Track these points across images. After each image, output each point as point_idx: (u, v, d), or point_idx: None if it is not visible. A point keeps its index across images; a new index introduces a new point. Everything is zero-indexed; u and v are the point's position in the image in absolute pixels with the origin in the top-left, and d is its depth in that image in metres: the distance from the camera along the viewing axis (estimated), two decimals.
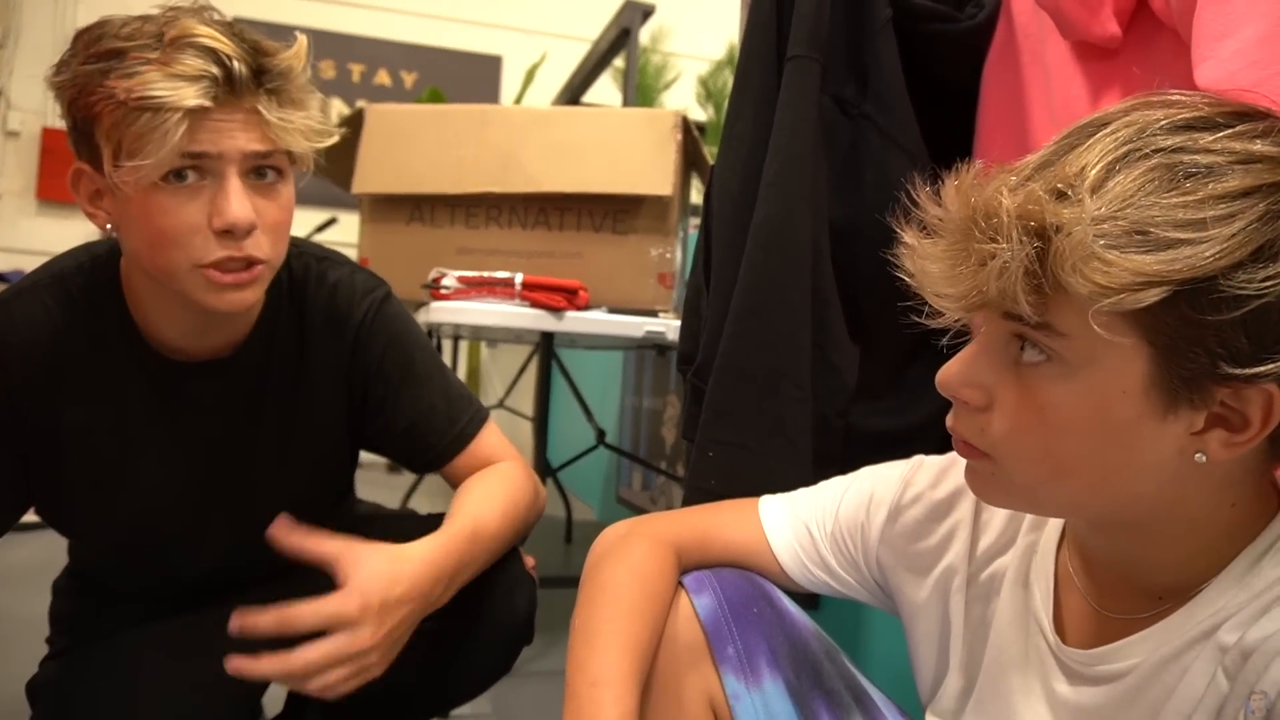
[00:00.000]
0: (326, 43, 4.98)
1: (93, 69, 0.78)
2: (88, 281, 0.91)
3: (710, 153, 1.74)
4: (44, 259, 0.95)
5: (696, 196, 2.01)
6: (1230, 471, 0.52)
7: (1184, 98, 0.51)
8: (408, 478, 2.97)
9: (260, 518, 0.99)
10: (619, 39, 2.74)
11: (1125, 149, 0.49)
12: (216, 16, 0.83)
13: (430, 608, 0.85)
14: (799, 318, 1.04)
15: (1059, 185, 0.49)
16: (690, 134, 1.73)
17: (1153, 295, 0.46)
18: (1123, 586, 0.58)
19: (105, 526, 0.97)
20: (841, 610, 1.21)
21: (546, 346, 1.87)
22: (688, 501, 1.05)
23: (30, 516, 0.96)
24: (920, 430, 1.09)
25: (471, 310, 1.57)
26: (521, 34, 5.29)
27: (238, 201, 0.81)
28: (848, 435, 1.09)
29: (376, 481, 1.64)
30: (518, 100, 4.81)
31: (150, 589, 1.05)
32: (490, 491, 0.96)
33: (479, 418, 1.02)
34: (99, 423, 0.92)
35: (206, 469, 0.96)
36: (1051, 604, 0.62)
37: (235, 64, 0.78)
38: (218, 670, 0.99)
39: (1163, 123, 0.49)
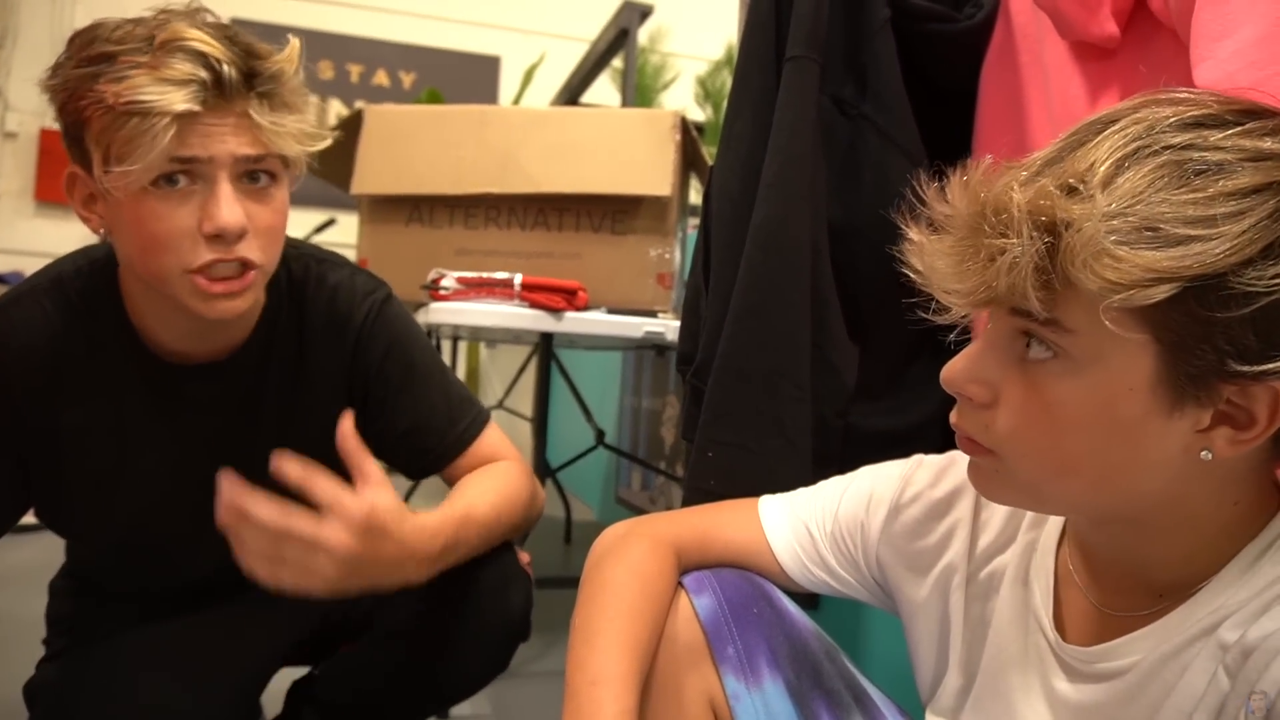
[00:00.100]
0: (325, 43, 4.98)
1: (83, 73, 0.78)
2: (86, 285, 0.91)
3: (709, 153, 1.74)
4: (42, 260, 0.95)
5: (695, 197, 2.01)
6: (1233, 469, 0.52)
7: (1192, 95, 0.51)
8: (405, 480, 2.96)
9: None
10: (617, 39, 2.74)
11: (1134, 146, 0.49)
12: (210, 19, 0.82)
13: (411, 573, 0.83)
14: (798, 318, 1.04)
15: (1070, 181, 0.49)
16: (689, 134, 1.73)
17: (1162, 292, 0.46)
18: (1124, 584, 0.58)
19: (104, 528, 0.97)
20: (841, 610, 1.21)
21: (546, 347, 1.87)
22: (687, 502, 1.05)
23: (29, 518, 0.96)
24: (919, 430, 1.09)
25: (471, 311, 1.57)
26: (520, 34, 5.29)
27: (228, 206, 0.81)
28: (847, 435, 1.09)
29: None
30: (516, 101, 4.81)
31: (148, 590, 1.05)
32: (485, 484, 0.97)
33: (480, 420, 1.02)
34: (98, 425, 0.92)
35: (205, 471, 0.96)
36: (1051, 602, 0.62)
37: (225, 68, 0.78)
38: (216, 671, 1.00)
39: (1172, 120, 0.49)
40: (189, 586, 1.03)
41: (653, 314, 1.69)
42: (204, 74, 0.77)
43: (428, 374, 1.01)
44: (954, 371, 0.56)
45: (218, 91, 0.78)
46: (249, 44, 0.82)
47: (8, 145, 4.62)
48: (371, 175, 1.78)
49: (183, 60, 0.77)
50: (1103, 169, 0.48)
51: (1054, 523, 0.65)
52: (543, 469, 1.84)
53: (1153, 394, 0.49)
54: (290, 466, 0.76)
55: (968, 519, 0.69)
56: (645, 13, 2.67)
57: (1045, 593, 0.63)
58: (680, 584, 0.74)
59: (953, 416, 0.58)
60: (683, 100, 4.94)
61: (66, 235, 4.25)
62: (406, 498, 2.40)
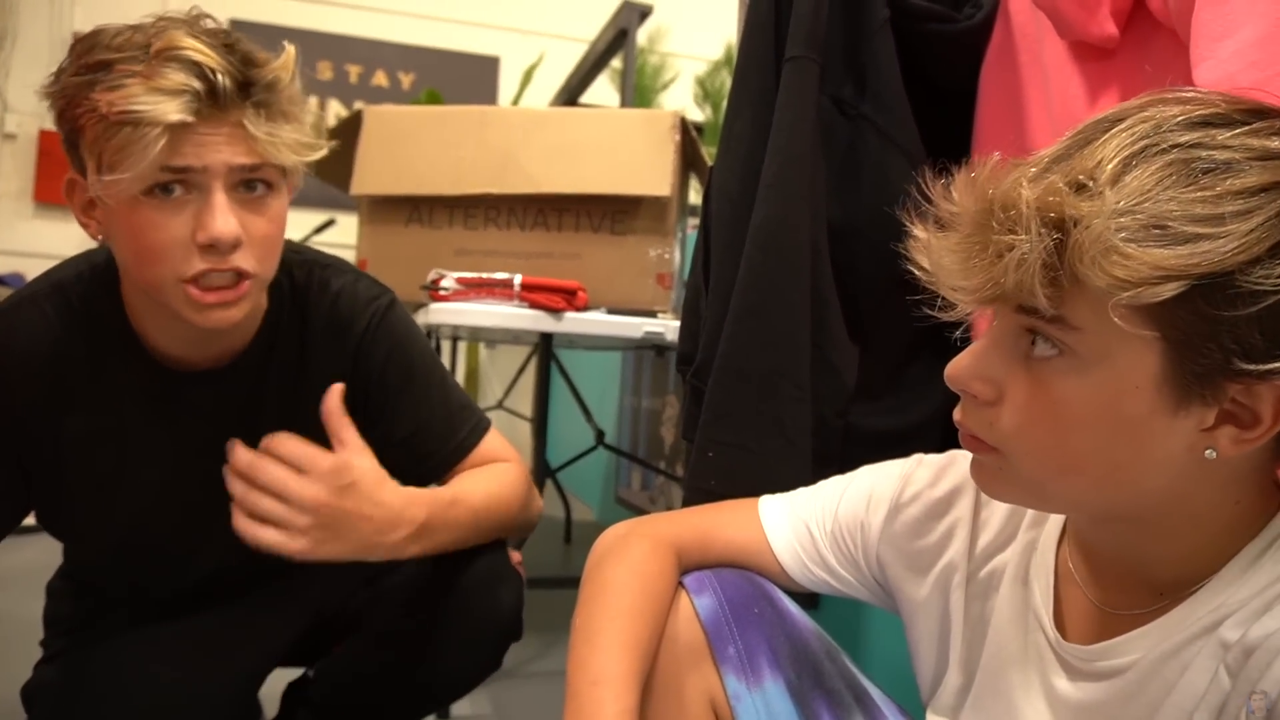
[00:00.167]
0: (324, 44, 4.98)
1: (80, 80, 0.78)
2: (87, 290, 0.91)
3: (708, 153, 1.74)
4: (41, 261, 0.95)
5: (695, 197, 2.01)
6: (1236, 469, 0.52)
7: (1199, 95, 0.51)
8: None
9: None
10: (616, 39, 2.74)
11: (1142, 144, 0.49)
12: (210, 24, 0.82)
13: (396, 541, 0.85)
14: (798, 318, 1.04)
15: (1080, 178, 0.49)
16: (688, 134, 1.73)
17: (1170, 289, 0.46)
18: (1124, 582, 0.58)
19: (104, 531, 0.97)
20: (841, 610, 1.21)
21: (545, 347, 1.87)
22: (688, 502, 1.05)
23: (28, 519, 0.96)
24: (919, 430, 1.09)
25: (470, 311, 1.57)
26: (519, 35, 5.29)
27: (221, 216, 0.80)
28: (847, 435, 1.09)
29: None
30: (515, 101, 4.81)
31: (146, 592, 1.05)
32: (477, 476, 0.97)
33: (480, 428, 1.02)
34: (99, 430, 0.92)
35: (205, 474, 0.96)
36: (1052, 600, 0.62)
37: (220, 77, 0.78)
38: (213, 673, 1.00)
39: (1179, 119, 0.49)
40: (187, 588, 1.03)
41: (652, 314, 1.69)
42: (198, 84, 0.77)
43: (428, 381, 1.01)
44: (958, 369, 0.56)
45: (212, 101, 0.78)
46: (246, 52, 0.81)
47: (7, 147, 4.62)
48: (371, 176, 1.78)
49: (177, 70, 0.77)
50: (1110, 167, 0.48)
51: (1054, 521, 0.65)
52: (543, 469, 1.84)
53: (1158, 392, 0.49)
54: (241, 453, 0.80)
55: (968, 518, 0.69)
56: (644, 13, 2.67)
57: (1045, 591, 0.63)
58: (681, 584, 0.74)
59: (956, 414, 0.58)
60: (682, 100, 4.94)
61: (66, 237, 4.24)
62: None
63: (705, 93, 4.92)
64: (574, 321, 1.60)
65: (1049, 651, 0.61)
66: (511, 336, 2.35)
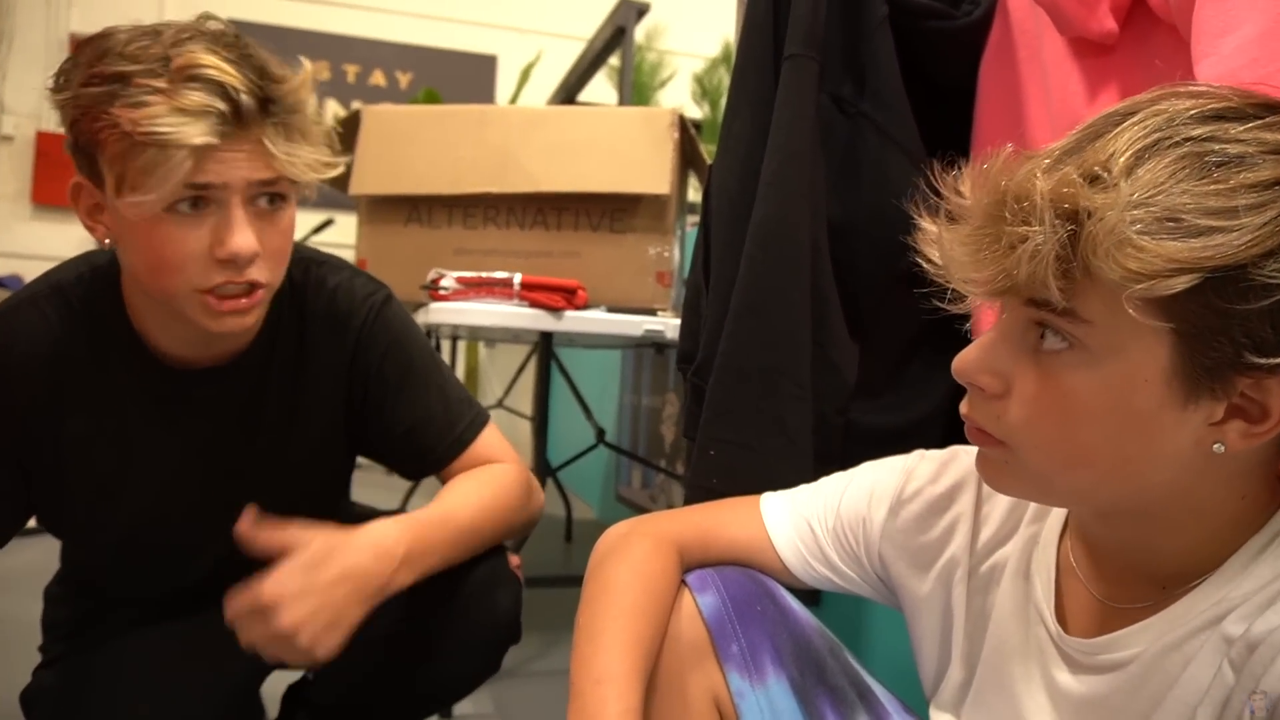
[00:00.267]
0: (321, 44, 4.97)
1: (97, 92, 0.77)
2: (87, 292, 0.91)
3: (707, 150, 1.74)
4: (40, 263, 0.95)
5: (694, 195, 2.01)
6: (1243, 463, 0.52)
7: (1211, 89, 0.51)
8: (406, 480, 2.96)
9: None
10: (614, 37, 2.74)
11: (1154, 137, 0.49)
12: (220, 27, 0.82)
13: (383, 588, 0.84)
14: (798, 316, 1.04)
15: (1095, 169, 0.49)
16: (687, 132, 1.73)
17: (1183, 282, 0.46)
18: (1126, 576, 0.58)
19: (105, 532, 0.97)
20: (843, 606, 1.21)
21: (545, 346, 1.87)
22: (689, 500, 1.05)
23: (29, 521, 0.96)
24: (920, 426, 1.09)
25: (470, 311, 1.57)
26: (516, 33, 5.28)
27: (241, 233, 0.81)
28: (847, 432, 1.09)
29: (376, 483, 1.64)
30: (513, 99, 4.81)
31: (147, 593, 1.05)
32: (469, 487, 0.97)
33: (478, 422, 1.02)
34: (100, 430, 0.92)
35: (206, 473, 0.97)
36: (1053, 594, 0.63)
37: (243, 97, 0.78)
38: (215, 675, 1.00)
39: (1192, 112, 0.49)
40: (187, 588, 1.03)
41: (652, 312, 1.69)
42: (222, 105, 0.77)
43: (426, 375, 1.01)
44: (966, 362, 0.56)
45: (235, 121, 0.78)
46: (262, 66, 0.81)
47: (4, 149, 4.61)
48: (370, 175, 1.78)
49: (200, 90, 0.76)
50: (1123, 160, 0.48)
51: (1056, 516, 0.65)
52: (543, 468, 1.84)
53: (1168, 386, 0.49)
54: (251, 530, 0.81)
55: (969, 513, 0.69)
56: (642, 11, 2.66)
57: (1047, 585, 0.63)
58: (683, 582, 0.74)
59: (963, 407, 0.58)
60: (680, 98, 4.94)
61: (64, 238, 4.25)
62: (407, 498, 2.40)
63: (703, 90, 4.92)
64: (574, 320, 1.60)
65: (1050, 645, 0.61)
66: (511, 335, 2.34)
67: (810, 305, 1.05)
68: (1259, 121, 0.49)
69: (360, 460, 1.08)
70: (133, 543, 0.98)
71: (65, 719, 0.99)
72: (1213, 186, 0.47)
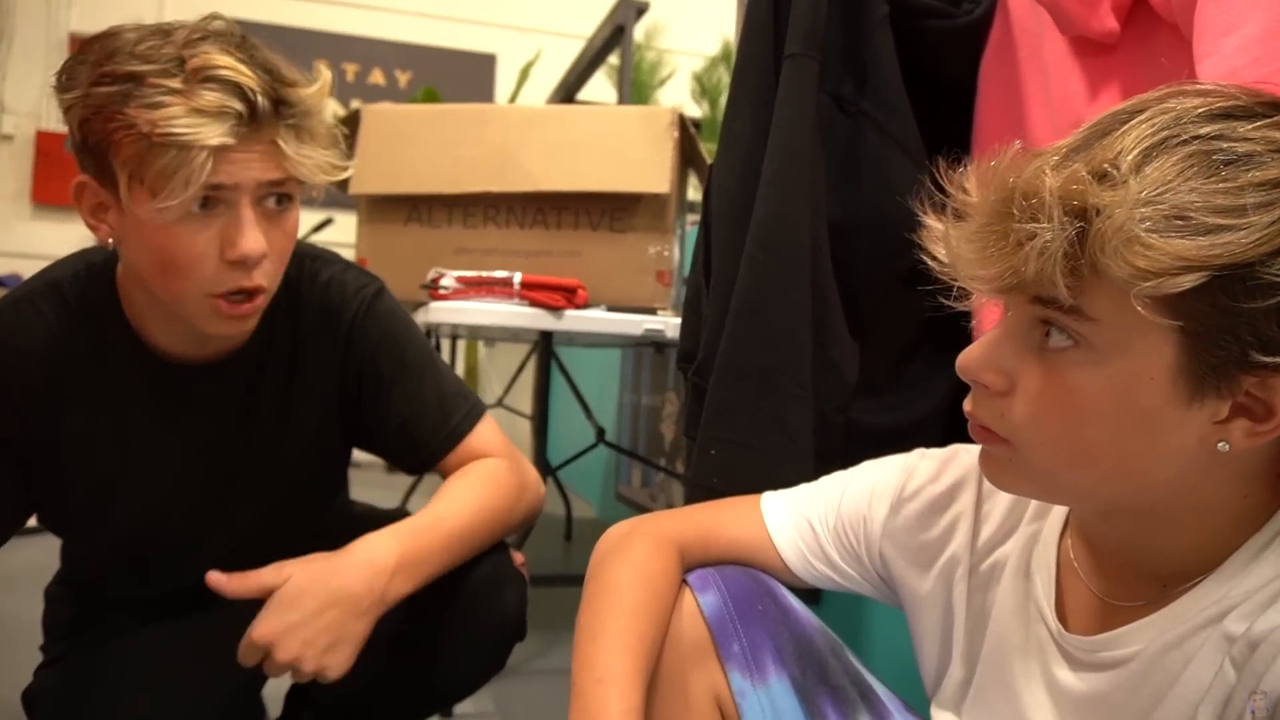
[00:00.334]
0: (320, 42, 4.97)
1: (110, 91, 0.76)
2: (84, 290, 0.90)
3: (707, 149, 1.74)
4: (39, 262, 0.95)
5: (694, 193, 2.01)
6: (1246, 462, 0.52)
7: (1219, 88, 0.51)
8: (406, 477, 2.97)
9: (255, 517, 0.99)
10: (613, 36, 2.74)
11: (1162, 135, 0.49)
12: (227, 28, 0.81)
13: (379, 601, 0.85)
14: (799, 315, 1.04)
15: (1105, 166, 0.49)
16: (687, 131, 1.73)
17: (1190, 280, 0.46)
18: (1127, 573, 0.59)
19: (105, 530, 0.97)
20: (843, 605, 1.21)
21: (545, 345, 1.87)
22: (690, 499, 1.05)
23: (29, 520, 0.96)
24: (920, 425, 1.09)
25: (470, 310, 1.57)
26: (516, 32, 5.29)
27: (251, 234, 0.81)
28: (848, 432, 1.09)
29: (375, 481, 1.64)
30: (512, 98, 4.81)
31: (148, 593, 1.05)
32: (461, 489, 0.96)
33: (474, 414, 1.02)
34: (99, 428, 0.92)
35: (204, 470, 0.97)
36: (1054, 592, 0.63)
37: (259, 98, 0.78)
38: (216, 675, 1.00)
39: (1200, 110, 0.49)
40: (187, 588, 1.03)
41: (652, 311, 1.69)
42: (238, 105, 0.77)
43: (420, 369, 1.01)
44: (970, 359, 0.56)
45: (251, 122, 0.78)
46: (274, 68, 0.81)
47: (4, 148, 4.61)
48: (370, 175, 1.77)
49: (217, 91, 0.76)
50: (1130, 157, 0.48)
51: (1056, 514, 0.65)
52: (543, 467, 1.84)
53: (1173, 384, 0.49)
54: (223, 584, 0.84)
55: (970, 511, 0.69)
56: (641, 9, 2.66)
57: (1047, 583, 0.63)
58: (685, 582, 0.74)
59: (967, 404, 0.58)
60: (679, 96, 4.94)
61: (63, 238, 4.24)
62: (407, 495, 2.40)
63: (702, 88, 4.92)
64: (574, 319, 1.60)
65: (1050, 642, 0.61)
66: (511, 334, 2.34)
67: (811, 304, 1.05)
68: (1267, 120, 0.49)
69: (360, 459, 1.08)
70: (132, 540, 0.98)
71: (67, 719, 0.99)
72: (1221, 185, 0.47)
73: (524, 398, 3.49)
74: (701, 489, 1.03)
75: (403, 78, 5.22)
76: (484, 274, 1.60)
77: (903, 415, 1.10)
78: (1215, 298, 0.47)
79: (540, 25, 5.26)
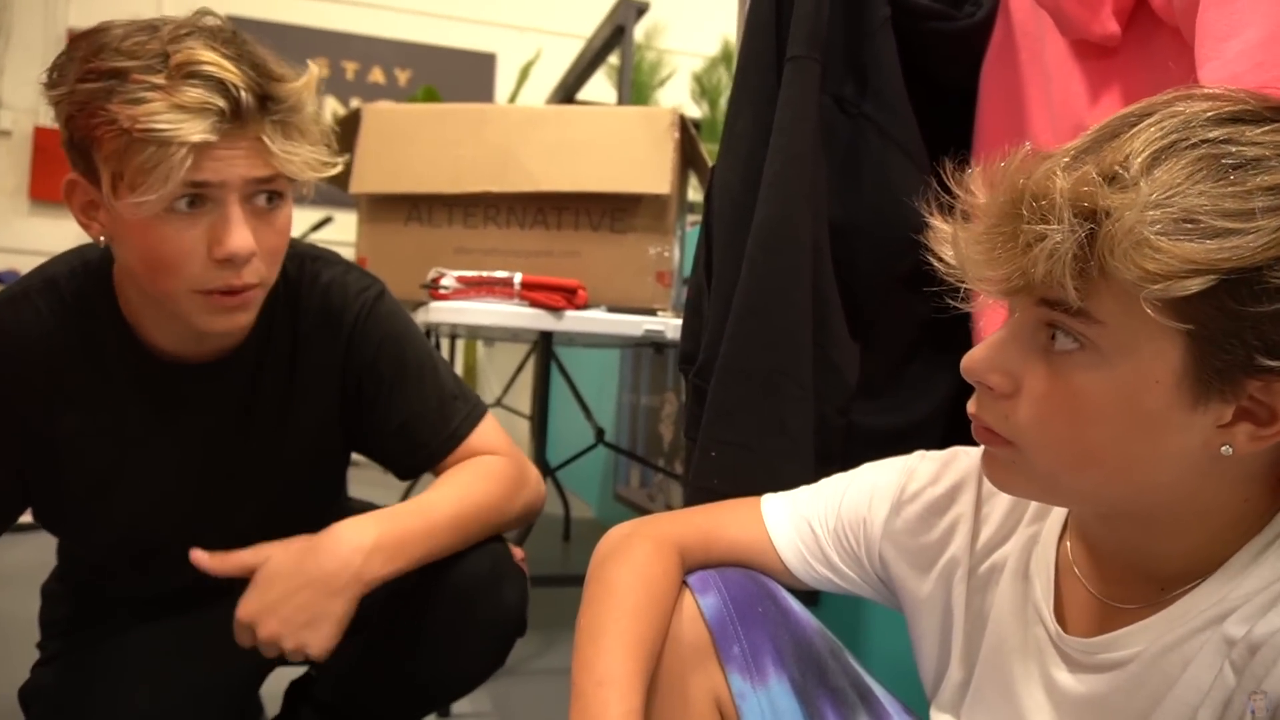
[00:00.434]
0: (320, 40, 4.96)
1: (93, 87, 0.76)
2: (81, 287, 0.90)
3: (707, 150, 1.74)
4: (37, 259, 0.94)
5: (694, 194, 2.02)
6: (1249, 466, 0.53)
7: (1226, 92, 0.51)
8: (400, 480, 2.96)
9: (253, 517, 0.99)
10: (614, 36, 2.74)
11: (1171, 138, 0.49)
12: (217, 23, 0.81)
13: (355, 578, 0.86)
14: (799, 317, 1.04)
15: (1114, 168, 0.49)
16: (687, 132, 1.73)
17: (1197, 284, 0.46)
18: (1127, 575, 0.59)
19: (102, 528, 0.97)
20: (842, 607, 1.21)
21: (545, 345, 1.87)
22: (690, 501, 1.05)
23: (25, 517, 0.96)
24: (920, 427, 1.09)
25: (471, 310, 1.57)
26: (516, 31, 5.28)
27: (239, 232, 0.80)
28: (848, 433, 1.09)
29: (375, 481, 1.63)
30: (512, 98, 4.80)
31: (144, 591, 1.05)
32: (454, 479, 0.97)
33: (474, 415, 1.02)
34: (96, 426, 0.91)
35: (202, 469, 0.96)
36: (1052, 594, 0.63)
37: (243, 94, 0.77)
38: (212, 673, 1.00)
39: (1209, 114, 0.49)
40: (185, 586, 1.03)
41: (652, 312, 1.69)
42: (221, 102, 0.76)
43: (420, 370, 1.00)
44: (975, 360, 0.56)
45: (234, 118, 0.77)
46: (261, 63, 0.81)
47: (2, 144, 4.61)
48: (370, 174, 1.77)
49: (199, 87, 0.76)
50: (1138, 161, 0.48)
51: (1056, 516, 0.65)
52: (542, 467, 1.84)
53: (1178, 387, 0.50)
54: (207, 562, 0.85)
55: (969, 513, 0.69)
56: (641, 9, 2.66)
57: (1046, 585, 0.63)
58: (685, 584, 0.74)
59: (970, 406, 0.58)
60: (679, 97, 4.94)
61: (61, 234, 4.23)
62: (406, 495, 2.40)
63: (702, 89, 4.92)
64: (574, 320, 1.60)
65: (1049, 644, 0.62)
66: (510, 334, 2.34)
67: (811, 306, 1.05)
68: (1275, 125, 0.49)
69: (358, 458, 1.08)
70: (129, 538, 0.97)
71: (64, 716, 0.99)
72: (1229, 188, 0.47)
73: (523, 398, 3.48)
74: (702, 490, 1.03)
75: (402, 76, 5.22)
76: (484, 274, 1.60)
77: (903, 417, 1.10)
78: (1222, 301, 0.47)
79: (540, 25, 5.25)
